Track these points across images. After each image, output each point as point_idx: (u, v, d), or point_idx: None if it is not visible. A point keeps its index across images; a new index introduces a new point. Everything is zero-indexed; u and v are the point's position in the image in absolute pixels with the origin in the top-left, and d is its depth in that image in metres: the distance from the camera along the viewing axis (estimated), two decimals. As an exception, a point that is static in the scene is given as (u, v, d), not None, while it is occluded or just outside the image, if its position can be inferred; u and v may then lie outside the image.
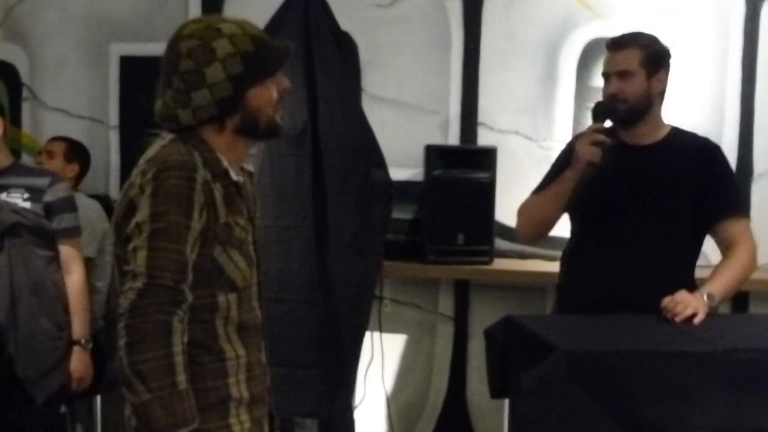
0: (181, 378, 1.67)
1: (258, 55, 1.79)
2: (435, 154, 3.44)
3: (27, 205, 2.86)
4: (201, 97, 1.76)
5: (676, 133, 2.68)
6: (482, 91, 3.63)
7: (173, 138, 1.79)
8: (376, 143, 2.99)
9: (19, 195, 2.92)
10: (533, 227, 2.80)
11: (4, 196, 2.87)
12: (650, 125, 2.64)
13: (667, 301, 2.41)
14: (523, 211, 2.81)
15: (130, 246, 1.69)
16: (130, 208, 1.73)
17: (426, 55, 3.64)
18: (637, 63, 2.57)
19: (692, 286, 2.58)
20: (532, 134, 3.59)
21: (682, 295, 2.42)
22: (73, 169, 3.51)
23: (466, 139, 3.63)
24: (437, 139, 3.60)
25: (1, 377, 2.58)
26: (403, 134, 3.60)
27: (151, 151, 1.79)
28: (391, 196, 2.99)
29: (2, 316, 2.67)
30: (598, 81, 3.53)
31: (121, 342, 1.65)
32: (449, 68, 3.63)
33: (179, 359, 1.67)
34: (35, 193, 2.86)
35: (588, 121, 3.50)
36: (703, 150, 2.63)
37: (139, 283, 1.65)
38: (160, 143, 1.80)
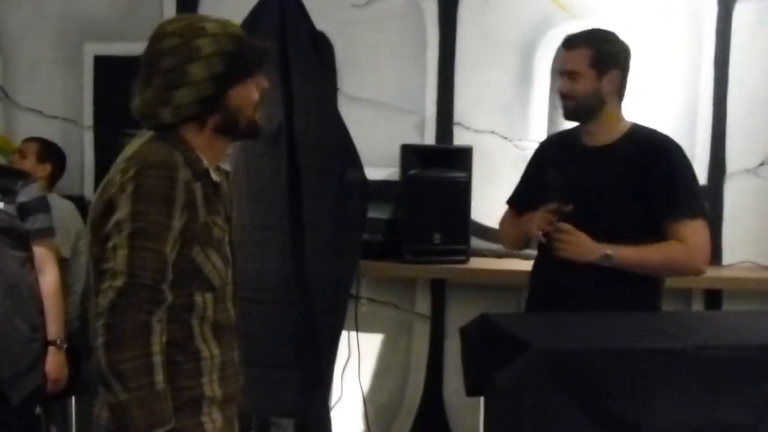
0: (159, 378, 1.68)
1: (239, 54, 1.79)
2: (411, 154, 3.44)
3: (0, 206, 2.84)
4: (183, 95, 1.76)
5: (633, 132, 2.69)
6: (458, 91, 3.64)
7: (153, 136, 1.79)
8: (352, 143, 2.99)
9: None
10: (512, 245, 3.00)
11: None
12: (604, 124, 2.68)
13: (562, 226, 2.54)
14: (501, 228, 2.98)
15: (110, 244, 1.68)
16: (109, 207, 1.72)
17: (402, 55, 3.64)
18: (587, 63, 2.62)
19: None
20: (508, 134, 3.61)
21: (578, 236, 2.52)
22: (44, 169, 3.48)
23: (442, 138, 3.64)
24: (413, 139, 3.61)
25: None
26: (380, 134, 3.60)
27: (130, 149, 1.78)
28: (367, 195, 2.99)
29: None
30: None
31: (100, 341, 1.65)
32: (425, 68, 3.64)
33: (158, 359, 1.67)
34: (8, 194, 2.84)
35: (562, 122, 3.55)
36: (654, 150, 2.63)
37: (119, 282, 1.65)
38: (139, 141, 1.80)
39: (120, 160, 1.77)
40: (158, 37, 1.81)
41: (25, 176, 2.97)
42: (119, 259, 1.66)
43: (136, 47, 3.64)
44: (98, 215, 1.76)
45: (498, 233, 3.27)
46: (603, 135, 2.69)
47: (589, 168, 2.66)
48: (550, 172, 2.65)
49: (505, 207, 2.98)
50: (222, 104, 1.80)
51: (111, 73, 3.82)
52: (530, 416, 1.97)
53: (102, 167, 3.57)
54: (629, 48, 2.69)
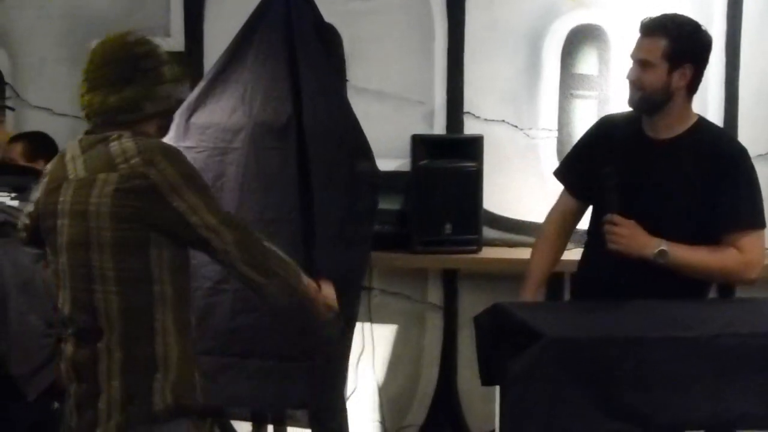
0: None
1: (181, 65, 2.20)
2: (421, 145, 3.44)
3: (15, 203, 2.85)
4: (164, 91, 2.08)
5: (699, 128, 2.60)
6: (467, 81, 3.63)
7: (132, 135, 2.02)
8: (362, 135, 2.98)
9: (6, 194, 2.92)
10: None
11: None
12: (670, 118, 2.58)
13: (616, 219, 2.46)
14: (546, 224, 2.93)
15: (194, 219, 1.97)
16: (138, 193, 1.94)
17: (410, 46, 3.64)
18: (660, 54, 2.50)
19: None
20: (518, 122, 3.60)
21: (633, 228, 2.45)
22: (39, 165, 3.45)
23: (451, 128, 3.64)
24: (423, 130, 3.60)
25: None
26: (389, 125, 3.60)
27: (122, 146, 1.99)
28: (377, 187, 2.98)
29: None
30: (582, 68, 3.57)
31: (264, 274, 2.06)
32: (433, 58, 3.63)
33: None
34: (22, 192, 2.85)
35: (573, 110, 3.55)
36: (719, 154, 2.54)
37: (237, 233, 2.03)
38: (125, 140, 2.00)
39: (116, 158, 1.97)
40: (126, 45, 2.09)
41: (37, 173, 2.98)
42: (214, 220, 1.99)
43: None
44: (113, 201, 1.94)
45: (509, 222, 3.28)
46: (667, 128, 2.59)
47: (649, 163, 2.58)
48: (606, 170, 2.55)
49: (517, 197, 2.98)
50: (175, 105, 2.19)
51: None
52: (543, 405, 1.97)
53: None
54: (710, 40, 2.58)
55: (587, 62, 3.57)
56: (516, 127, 3.59)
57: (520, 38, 3.57)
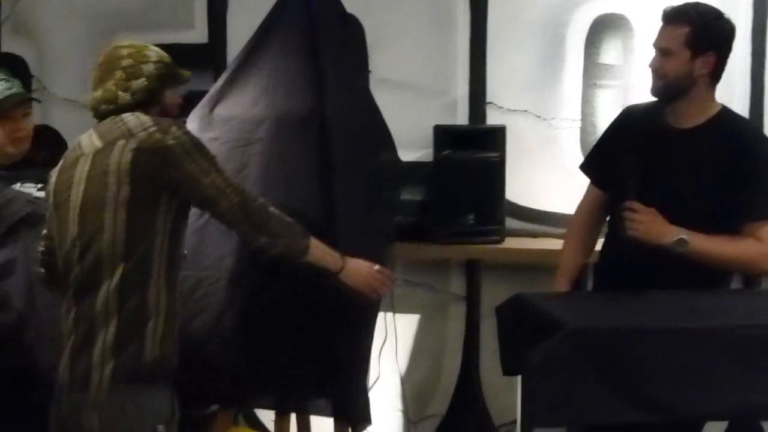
0: None
1: (173, 68, 2.44)
2: (443, 135, 3.44)
3: (41, 194, 2.89)
4: (138, 84, 2.33)
5: (722, 117, 2.59)
6: (490, 71, 3.62)
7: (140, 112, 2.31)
8: (385, 125, 2.99)
9: (32, 185, 2.95)
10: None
11: (17, 186, 2.90)
12: (693, 107, 2.57)
13: (635, 205, 2.45)
14: (576, 216, 2.94)
15: (206, 180, 2.24)
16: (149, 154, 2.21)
17: (432, 36, 3.63)
18: (681, 42, 2.49)
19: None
20: (541, 112, 3.58)
21: (652, 215, 2.44)
22: (43, 157, 3.46)
23: (474, 119, 3.63)
24: (445, 120, 3.59)
25: (21, 365, 2.62)
26: (411, 116, 3.59)
27: (143, 119, 2.26)
28: (399, 177, 2.99)
29: (21, 305, 2.71)
30: (605, 58, 3.55)
31: (263, 235, 2.31)
32: (456, 48, 3.62)
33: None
34: (47, 184, 2.88)
35: (597, 99, 3.53)
36: (742, 143, 2.53)
37: (239, 197, 2.28)
38: (141, 116, 2.28)
39: (133, 128, 2.23)
40: (115, 49, 2.39)
41: None
42: (224, 183, 2.27)
43: (166, 36, 3.67)
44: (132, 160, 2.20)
45: (532, 212, 3.28)
46: (690, 117, 2.58)
47: (670, 151, 2.58)
48: (628, 157, 2.56)
49: (540, 187, 2.97)
50: (160, 99, 2.39)
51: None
52: (565, 395, 1.97)
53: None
54: (733, 28, 2.57)
55: (611, 52, 3.54)
56: (539, 117, 3.58)
57: (543, 28, 3.55)
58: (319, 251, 2.44)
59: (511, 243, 3.46)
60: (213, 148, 2.81)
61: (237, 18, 3.77)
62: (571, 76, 3.55)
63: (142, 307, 2.22)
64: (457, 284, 3.69)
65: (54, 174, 2.41)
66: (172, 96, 2.45)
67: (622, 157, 2.59)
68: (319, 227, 2.69)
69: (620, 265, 2.65)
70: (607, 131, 2.88)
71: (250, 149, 2.79)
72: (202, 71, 3.74)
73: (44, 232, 2.48)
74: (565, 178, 3.03)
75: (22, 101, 2.89)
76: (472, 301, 3.68)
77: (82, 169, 2.27)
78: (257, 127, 2.80)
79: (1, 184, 2.87)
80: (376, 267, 2.54)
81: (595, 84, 3.54)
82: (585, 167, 2.91)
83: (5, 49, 4.04)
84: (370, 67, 3.62)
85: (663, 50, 2.55)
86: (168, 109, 2.42)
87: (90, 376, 2.19)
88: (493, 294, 3.51)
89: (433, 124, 3.48)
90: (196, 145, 2.27)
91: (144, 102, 2.35)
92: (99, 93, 2.35)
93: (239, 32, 3.55)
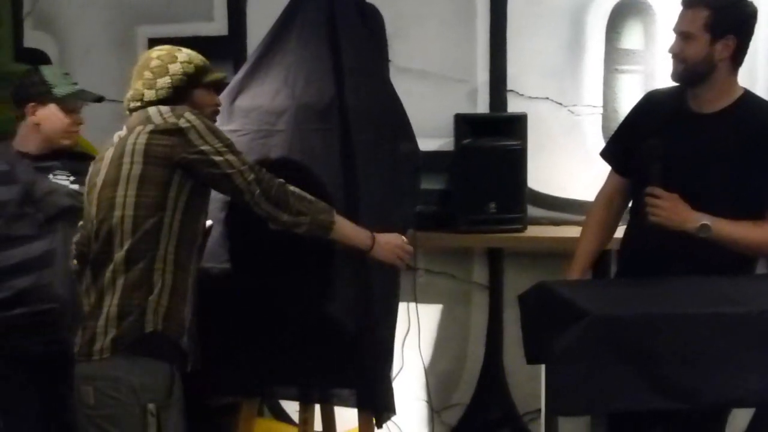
0: None
1: (205, 69, 2.54)
2: (464, 123, 3.42)
3: (75, 187, 2.93)
4: (163, 82, 2.44)
5: (744, 101, 2.58)
6: (510, 58, 3.60)
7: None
8: (405, 115, 2.98)
9: (64, 177, 2.99)
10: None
11: (50, 177, 2.94)
12: (714, 91, 2.56)
13: (658, 191, 2.45)
14: (594, 205, 2.94)
15: (218, 158, 2.33)
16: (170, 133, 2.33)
17: (452, 24, 3.62)
18: (701, 25, 2.49)
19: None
20: (562, 99, 3.56)
21: (674, 201, 2.44)
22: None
23: (495, 106, 3.61)
24: (466, 108, 3.58)
25: (60, 354, 2.67)
26: (432, 104, 3.59)
27: (162, 108, 2.38)
28: (418, 167, 2.98)
29: (65, 295, 2.76)
30: (627, 43, 3.52)
31: (279, 211, 2.38)
32: (476, 36, 3.61)
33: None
34: (79, 176, 2.92)
35: (619, 85, 3.50)
36: (763, 128, 2.52)
37: (254, 173, 2.36)
38: (161, 106, 2.39)
39: (152, 117, 2.35)
40: (149, 54, 2.52)
41: (93, 158, 3.04)
42: (239, 162, 2.36)
43: (188, 28, 3.68)
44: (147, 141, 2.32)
45: (554, 200, 3.26)
46: (711, 102, 2.58)
47: (693, 135, 2.57)
48: (650, 142, 2.55)
49: (562, 174, 2.95)
50: (189, 98, 2.47)
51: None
52: (589, 383, 1.97)
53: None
54: (755, 11, 2.56)
55: (632, 36, 3.51)
56: (560, 104, 3.56)
57: (563, 13, 3.53)
58: (347, 228, 2.50)
59: (533, 231, 3.45)
60: (233, 140, 2.82)
61: (256, 10, 3.78)
62: (592, 62, 3.53)
63: (146, 279, 2.29)
64: (480, 273, 3.69)
65: (90, 166, 2.53)
66: (205, 96, 2.53)
67: (643, 142, 2.58)
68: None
69: (643, 251, 2.64)
70: (628, 117, 2.87)
71: (270, 141, 2.80)
72: (222, 63, 3.74)
73: (80, 223, 2.56)
74: (587, 165, 3.02)
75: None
76: (495, 290, 3.67)
77: (109, 155, 2.40)
78: (278, 118, 2.81)
79: (39, 176, 2.92)
80: (402, 237, 2.63)
81: (617, 70, 3.51)
82: (605, 154, 2.90)
83: (27, 43, 4.07)
84: (390, 56, 3.62)
85: (683, 34, 2.54)
86: (198, 108, 2.47)
87: (93, 345, 2.28)
88: (516, 282, 3.51)
89: (454, 112, 3.47)
90: (210, 128, 2.36)
91: (169, 99, 2.43)
92: (129, 93, 2.48)
93: (259, 24, 3.56)
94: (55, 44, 4.02)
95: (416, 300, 3.49)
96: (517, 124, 3.41)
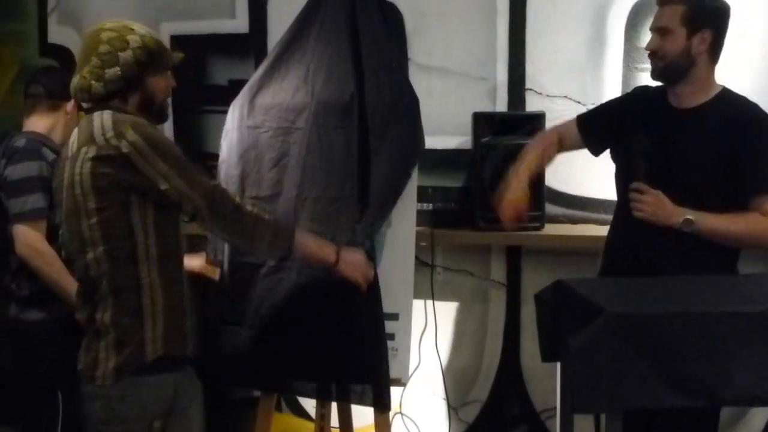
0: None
1: (158, 52, 2.33)
2: (483, 122, 3.43)
3: None
4: (112, 72, 2.24)
5: (723, 97, 2.62)
6: (529, 57, 3.60)
7: (111, 112, 2.24)
8: (419, 114, 2.99)
9: None
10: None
11: None
12: (693, 86, 2.61)
13: (642, 187, 2.51)
14: (537, 139, 3.05)
15: (164, 186, 2.18)
16: (107, 160, 2.16)
17: (471, 22, 3.62)
18: (678, 20, 2.55)
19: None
20: (581, 98, 3.55)
21: (658, 197, 2.49)
22: None
23: (514, 105, 3.61)
24: (485, 106, 3.58)
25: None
26: (451, 102, 3.60)
27: (98, 122, 2.21)
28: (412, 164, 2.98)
29: None
30: (647, 42, 3.50)
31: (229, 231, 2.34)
32: (495, 34, 3.61)
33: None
34: None
35: (638, 83, 3.48)
36: (743, 120, 2.56)
37: (204, 200, 2.24)
38: (101, 116, 2.23)
39: (95, 132, 2.19)
40: (97, 32, 2.29)
41: None
42: (186, 186, 2.21)
43: (210, 25, 3.70)
44: (91, 170, 2.17)
45: (572, 198, 3.26)
46: (691, 97, 2.63)
47: (674, 132, 2.61)
48: (636, 137, 2.61)
49: (580, 173, 2.93)
50: (141, 86, 2.30)
51: (188, 51, 3.86)
52: (605, 381, 1.97)
53: (181, 142, 3.66)
54: (727, 6, 2.61)
55: (653, 35, 3.50)
56: (579, 102, 3.55)
57: (582, 12, 3.52)
58: (310, 247, 2.48)
59: (551, 229, 3.45)
60: (253, 136, 2.85)
61: (277, 7, 3.80)
62: (611, 60, 3.52)
63: (136, 308, 2.22)
64: (498, 270, 3.69)
65: (58, 161, 2.45)
66: (158, 81, 2.36)
67: (625, 134, 2.65)
68: (359, 214, 2.72)
69: (630, 243, 2.68)
70: (615, 100, 2.98)
71: (290, 138, 2.82)
72: (243, 60, 3.78)
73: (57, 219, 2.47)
74: (606, 163, 3.00)
75: None
76: (513, 288, 3.67)
77: (64, 174, 2.26)
78: (297, 115, 2.83)
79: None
80: (364, 256, 2.61)
81: (636, 68, 3.50)
82: (582, 118, 2.96)
83: (52, 39, 4.11)
84: (410, 53, 3.64)
85: (660, 30, 2.60)
86: (151, 95, 2.35)
87: (96, 370, 2.24)
88: (534, 280, 3.51)
89: (473, 110, 3.47)
90: (154, 147, 2.18)
91: (118, 91, 2.28)
92: (76, 79, 2.29)
93: (280, 21, 3.58)
94: (80, 39, 4.05)
95: (433, 297, 3.51)
96: (536, 123, 3.40)
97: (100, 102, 2.28)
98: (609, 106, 2.95)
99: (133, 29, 2.31)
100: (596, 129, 2.89)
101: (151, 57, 2.30)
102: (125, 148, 2.15)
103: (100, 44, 2.26)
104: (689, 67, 2.58)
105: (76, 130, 2.31)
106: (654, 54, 2.63)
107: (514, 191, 2.76)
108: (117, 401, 2.23)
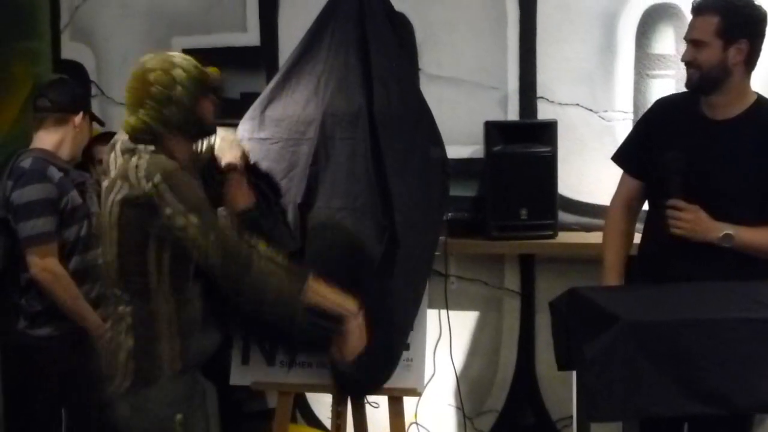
0: None
1: (202, 79, 2.43)
2: (494, 130, 3.43)
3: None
4: (170, 112, 2.36)
5: (759, 107, 2.57)
6: (540, 65, 3.60)
7: (152, 150, 2.35)
8: (434, 122, 3.00)
9: (94, 194, 3.05)
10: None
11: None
12: (729, 96, 2.56)
13: (679, 204, 2.45)
14: (608, 225, 2.92)
15: (184, 234, 2.27)
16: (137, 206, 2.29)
17: (481, 31, 3.62)
18: (712, 32, 2.50)
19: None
20: (593, 105, 3.56)
21: (697, 213, 2.44)
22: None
23: (525, 113, 3.61)
24: (496, 115, 3.59)
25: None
26: (462, 111, 3.60)
27: (137, 161, 2.32)
28: (448, 175, 3.00)
29: None
30: (658, 48, 3.51)
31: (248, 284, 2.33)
32: (506, 43, 3.61)
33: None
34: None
35: (650, 90, 3.48)
36: None
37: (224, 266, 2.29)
38: (139, 156, 2.33)
39: (130, 171, 2.30)
40: (142, 73, 2.38)
41: None
42: (208, 242, 2.27)
43: (221, 38, 3.71)
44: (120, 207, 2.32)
45: (585, 206, 3.25)
46: (726, 108, 2.58)
47: (710, 144, 2.56)
48: (671, 154, 2.55)
49: (593, 181, 2.93)
50: (195, 116, 2.40)
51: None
52: (620, 388, 1.96)
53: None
54: (764, 13, 2.55)
55: (663, 42, 3.50)
56: (590, 110, 3.56)
57: (593, 19, 3.53)
58: (325, 298, 2.43)
59: (564, 237, 3.44)
60: (264, 148, 2.86)
61: (288, 20, 3.81)
62: (623, 67, 3.52)
63: (152, 327, 2.36)
64: (512, 279, 3.69)
65: (102, 180, 2.48)
66: (206, 104, 2.46)
67: (660, 150, 2.58)
68: (362, 225, 2.72)
69: (663, 256, 2.63)
70: (640, 122, 2.87)
71: (300, 149, 2.83)
72: (255, 73, 3.80)
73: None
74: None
75: None
76: (527, 296, 3.67)
77: (103, 193, 2.41)
78: (307, 127, 2.84)
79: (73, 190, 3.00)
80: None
81: (648, 75, 3.50)
82: (619, 158, 2.88)
83: (65, 55, 4.14)
84: (421, 63, 3.65)
85: (695, 42, 2.54)
86: (202, 118, 2.44)
87: (114, 380, 2.38)
88: (548, 288, 3.51)
89: (485, 119, 3.48)
90: (179, 197, 2.26)
91: (179, 126, 2.40)
92: (133, 120, 2.38)
93: (291, 34, 3.60)
94: (92, 55, 4.08)
95: (447, 307, 3.51)
96: (548, 131, 3.40)
97: (157, 137, 2.38)
98: (636, 131, 2.87)
99: (174, 62, 2.40)
100: (636, 158, 2.81)
101: (197, 85, 2.41)
102: (152, 193, 2.25)
103: (150, 86, 2.35)
104: (725, 78, 2.52)
105: (113, 155, 2.41)
106: (689, 64, 2.57)
107: None
108: (143, 398, 2.36)
